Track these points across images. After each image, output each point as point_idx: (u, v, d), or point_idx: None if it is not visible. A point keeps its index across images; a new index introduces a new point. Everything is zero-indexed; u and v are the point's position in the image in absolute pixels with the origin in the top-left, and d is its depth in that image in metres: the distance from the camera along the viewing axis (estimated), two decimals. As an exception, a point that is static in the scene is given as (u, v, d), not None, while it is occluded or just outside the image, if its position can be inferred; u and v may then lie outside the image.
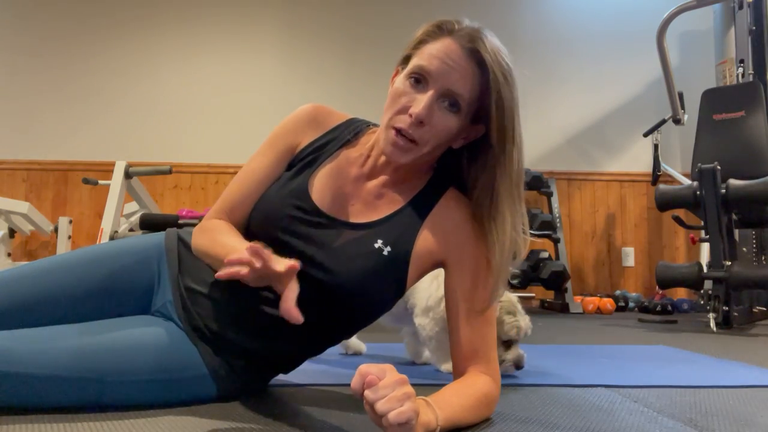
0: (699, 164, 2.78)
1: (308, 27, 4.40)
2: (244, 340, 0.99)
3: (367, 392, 0.71)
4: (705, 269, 2.75)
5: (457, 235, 0.98)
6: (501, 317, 1.33)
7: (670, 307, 3.63)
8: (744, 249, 3.41)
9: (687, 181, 3.37)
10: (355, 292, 0.95)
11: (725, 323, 2.66)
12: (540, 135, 4.40)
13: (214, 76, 4.30)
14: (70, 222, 3.78)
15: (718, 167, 2.70)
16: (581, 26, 4.51)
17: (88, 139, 4.17)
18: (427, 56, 0.91)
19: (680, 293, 4.25)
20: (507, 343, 1.34)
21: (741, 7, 3.69)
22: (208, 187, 4.20)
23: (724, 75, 3.86)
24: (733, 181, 2.71)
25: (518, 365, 1.34)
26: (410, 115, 0.89)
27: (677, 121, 3.71)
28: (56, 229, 3.78)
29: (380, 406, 0.69)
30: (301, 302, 0.79)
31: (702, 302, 3.56)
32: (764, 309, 3.22)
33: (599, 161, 4.43)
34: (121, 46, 4.28)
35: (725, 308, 2.65)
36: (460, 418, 0.86)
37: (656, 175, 3.89)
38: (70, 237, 3.75)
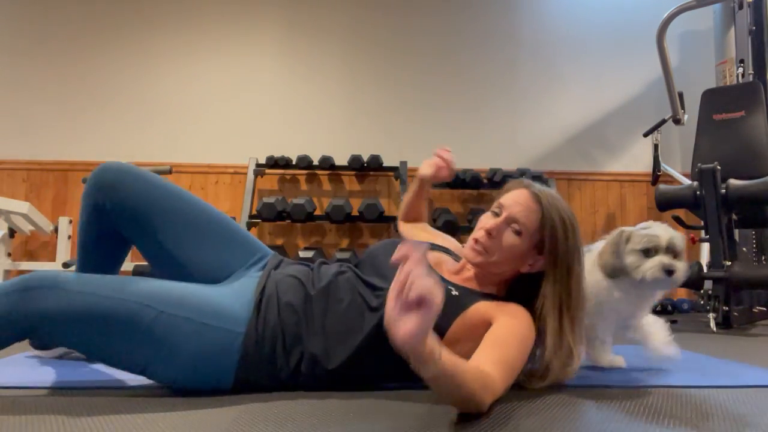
0: (699, 164, 2.78)
1: (308, 27, 4.40)
2: (305, 323, 1.14)
3: (410, 260, 0.75)
4: (705, 269, 2.75)
5: (509, 308, 1.17)
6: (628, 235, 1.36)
7: (670, 307, 3.63)
8: (744, 249, 3.41)
9: (687, 181, 3.37)
10: None
11: (725, 323, 2.65)
12: (540, 135, 4.40)
13: (215, 76, 4.31)
14: (70, 222, 3.78)
15: (718, 167, 2.70)
16: (581, 26, 4.51)
17: (88, 139, 4.17)
18: (504, 197, 1.25)
19: (680, 293, 4.25)
20: (646, 252, 1.33)
21: (741, 7, 3.69)
22: (208, 187, 4.20)
23: (724, 75, 3.86)
24: (733, 181, 2.71)
25: (667, 270, 1.31)
26: (484, 229, 1.22)
27: (677, 121, 3.71)
28: (56, 229, 3.78)
29: (418, 273, 0.73)
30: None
31: (702, 302, 3.55)
32: (764, 309, 3.22)
33: (599, 161, 4.43)
34: (121, 46, 4.28)
35: (725, 308, 2.65)
36: (456, 373, 0.86)
37: (656, 175, 3.90)
38: (70, 237, 3.75)
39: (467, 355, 1.10)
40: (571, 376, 1.19)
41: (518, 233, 1.19)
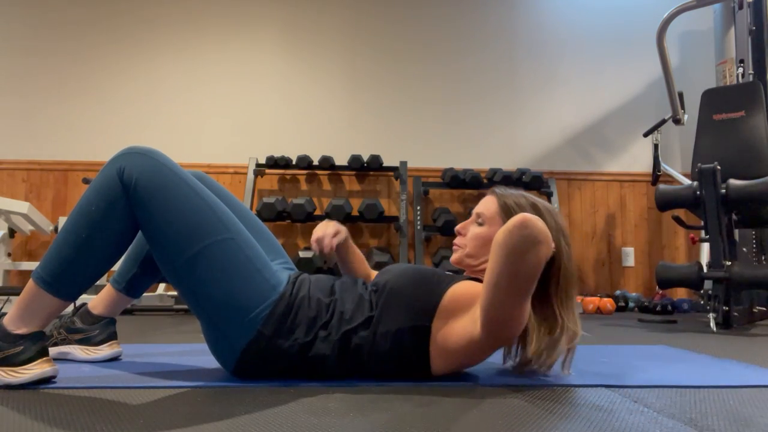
0: (699, 164, 2.78)
1: (308, 27, 4.40)
2: (324, 316, 1.22)
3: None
4: (705, 269, 2.75)
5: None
6: None
7: (670, 307, 3.63)
8: (744, 249, 3.41)
9: (687, 181, 3.37)
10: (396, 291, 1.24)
11: (725, 323, 2.65)
12: (540, 135, 4.40)
13: (215, 76, 4.31)
14: (70, 222, 3.77)
15: (718, 167, 2.70)
16: (581, 26, 4.51)
17: (88, 139, 4.18)
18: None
19: (680, 293, 4.26)
20: None
21: (741, 7, 3.69)
22: (208, 187, 4.20)
23: (724, 75, 3.86)
24: (733, 181, 2.71)
25: None
26: (456, 230, 1.39)
27: (677, 121, 3.72)
28: (56, 229, 3.78)
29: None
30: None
31: (702, 302, 3.55)
32: (764, 309, 3.22)
33: (599, 161, 4.43)
34: (122, 46, 4.28)
35: (725, 308, 2.65)
36: None
37: (656, 175, 3.90)
38: (70, 237, 3.75)
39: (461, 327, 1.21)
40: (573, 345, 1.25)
41: (481, 224, 1.33)
